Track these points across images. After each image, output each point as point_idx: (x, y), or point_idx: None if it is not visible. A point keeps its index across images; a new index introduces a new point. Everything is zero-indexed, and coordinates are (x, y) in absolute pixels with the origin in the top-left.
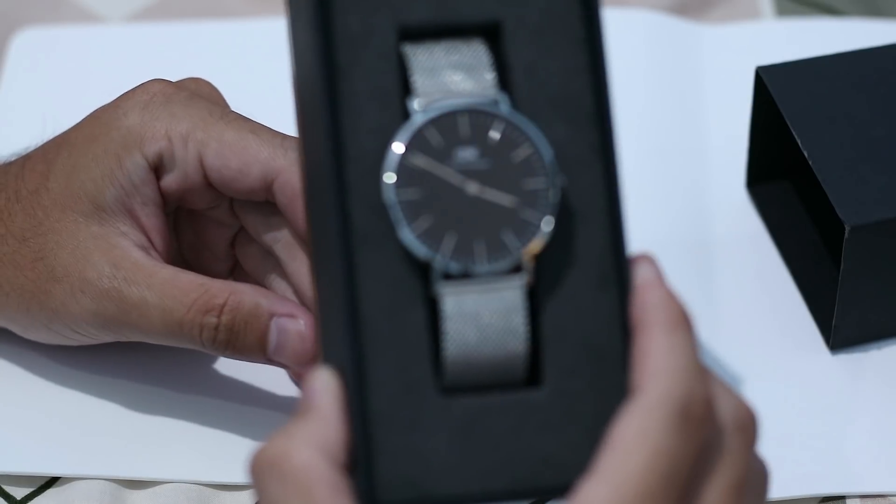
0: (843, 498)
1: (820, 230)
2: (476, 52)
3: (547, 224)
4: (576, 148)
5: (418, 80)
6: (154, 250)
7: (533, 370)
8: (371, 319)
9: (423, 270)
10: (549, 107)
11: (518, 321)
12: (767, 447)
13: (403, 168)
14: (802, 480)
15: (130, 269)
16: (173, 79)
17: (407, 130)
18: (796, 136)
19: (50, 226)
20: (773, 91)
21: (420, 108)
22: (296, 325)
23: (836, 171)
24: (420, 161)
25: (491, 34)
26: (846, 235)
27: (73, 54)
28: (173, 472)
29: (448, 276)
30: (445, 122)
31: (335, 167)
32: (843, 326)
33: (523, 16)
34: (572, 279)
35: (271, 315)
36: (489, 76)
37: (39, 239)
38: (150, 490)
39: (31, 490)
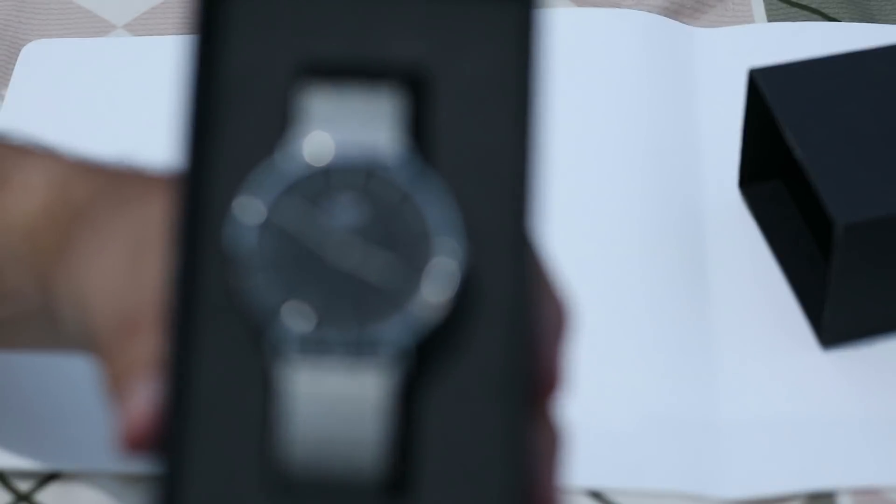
0: (833, 494)
1: (811, 229)
2: (384, 103)
3: (434, 304)
4: (492, 227)
5: (305, 127)
6: None
7: (400, 474)
8: (202, 399)
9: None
10: (469, 177)
11: (375, 420)
12: (758, 444)
13: (264, 220)
14: (793, 476)
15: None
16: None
17: (275, 179)
18: (788, 136)
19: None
20: (766, 92)
21: (299, 158)
22: (146, 398)
23: (828, 171)
24: (284, 215)
25: (416, 83)
26: (837, 234)
27: (80, 66)
28: None
29: (294, 349)
30: (324, 175)
31: (188, 217)
32: (833, 324)
33: (458, 65)
34: (461, 382)
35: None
36: (393, 132)
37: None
38: None
39: (35, 483)
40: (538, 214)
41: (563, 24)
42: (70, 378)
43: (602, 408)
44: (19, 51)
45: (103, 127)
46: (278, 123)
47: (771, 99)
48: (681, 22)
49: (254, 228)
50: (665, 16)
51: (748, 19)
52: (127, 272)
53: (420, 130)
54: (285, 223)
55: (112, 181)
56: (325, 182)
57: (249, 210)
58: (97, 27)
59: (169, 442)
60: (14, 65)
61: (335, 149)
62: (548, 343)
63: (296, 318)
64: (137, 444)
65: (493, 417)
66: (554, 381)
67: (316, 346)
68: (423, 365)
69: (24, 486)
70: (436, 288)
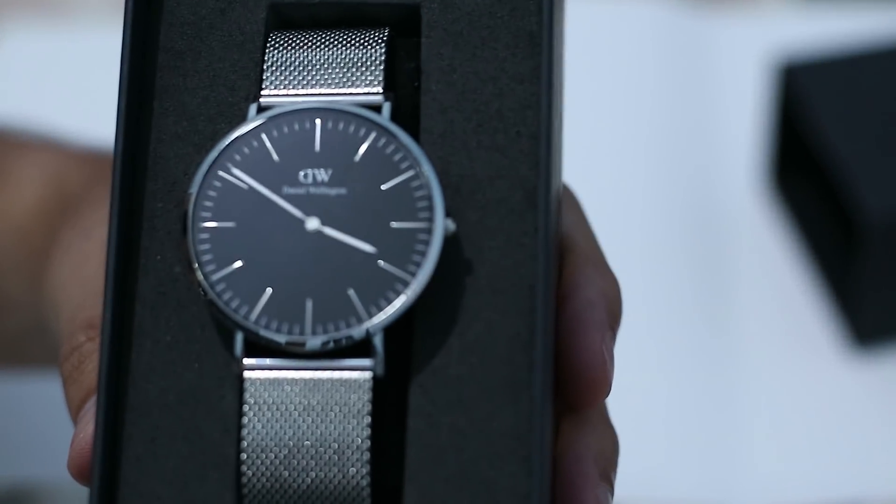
0: None
1: (841, 225)
2: (366, 46)
3: (415, 284)
4: (496, 185)
5: (271, 76)
6: None
7: (389, 490)
8: (148, 406)
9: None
10: (470, 126)
11: (357, 430)
12: (785, 452)
13: (216, 187)
14: (819, 485)
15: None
16: None
17: (231, 136)
18: (816, 131)
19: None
20: (792, 86)
21: (270, 112)
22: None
23: (857, 166)
24: (241, 179)
25: (407, 23)
26: (868, 230)
27: (58, 53)
28: None
29: (256, 351)
30: (290, 128)
31: (124, 182)
32: (864, 326)
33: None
34: (456, 378)
35: None
36: (374, 77)
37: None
38: None
39: (5, 496)
40: (553, 170)
41: (576, 19)
42: (42, 388)
43: (617, 415)
44: None
45: (87, 117)
46: (243, 75)
47: (797, 93)
48: (699, 7)
49: (205, 194)
50: (681, 1)
51: None
52: (98, 276)
53: (406, 75)
54: (242, 186)
55: (105, 172)
56: (292, 134)
57: (201, 171)
58: (78, 14)
59: (96, 468)
60: None
61: (310, 101)
62: (594, 330)
63: (252, 308)
64: (83, 472)
65: (501, 414)
66: (606, 375)
67: (279, 343)
68: (408, 358)
69: None
70: (422, 266)
